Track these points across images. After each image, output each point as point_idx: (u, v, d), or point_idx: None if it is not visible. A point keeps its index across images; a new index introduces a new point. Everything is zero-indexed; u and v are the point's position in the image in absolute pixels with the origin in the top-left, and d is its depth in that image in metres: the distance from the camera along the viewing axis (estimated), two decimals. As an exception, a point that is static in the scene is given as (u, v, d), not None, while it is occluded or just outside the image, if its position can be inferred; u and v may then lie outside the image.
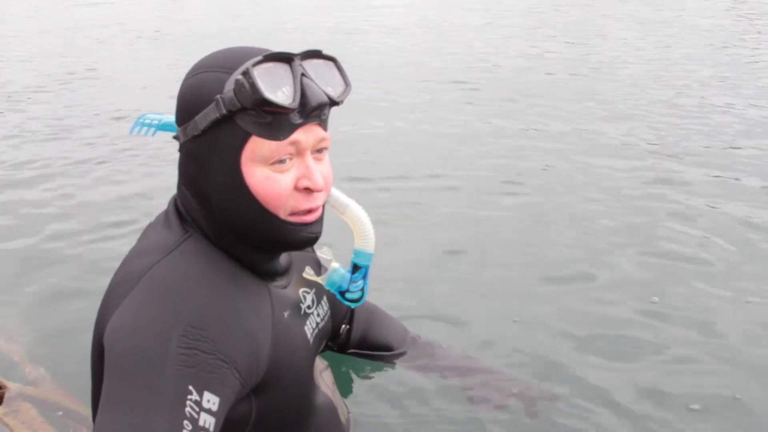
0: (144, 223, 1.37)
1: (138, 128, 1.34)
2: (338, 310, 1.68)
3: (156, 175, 4.79)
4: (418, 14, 12.66)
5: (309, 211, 1.24)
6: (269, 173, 1.19)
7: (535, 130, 5.65)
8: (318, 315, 1.47)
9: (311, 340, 1.42)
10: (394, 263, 3.15)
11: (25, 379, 2.33)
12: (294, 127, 1.18)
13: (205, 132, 1.19)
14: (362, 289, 1.42)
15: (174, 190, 1.32)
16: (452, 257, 3.49)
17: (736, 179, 4.41)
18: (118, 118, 5.96)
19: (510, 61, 8.24)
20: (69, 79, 7.76)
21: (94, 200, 4.42)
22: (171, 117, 1.28)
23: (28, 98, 6.99)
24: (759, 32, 9.76)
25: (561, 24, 11.14)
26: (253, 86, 1.12)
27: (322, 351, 1.60)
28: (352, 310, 1.77)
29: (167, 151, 4.92)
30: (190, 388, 1.07)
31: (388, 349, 1.84)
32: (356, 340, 1.80)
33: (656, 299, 2.95)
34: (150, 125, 1.33)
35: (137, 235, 1.35)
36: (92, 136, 5.62)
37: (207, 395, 1.08)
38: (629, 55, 8.39)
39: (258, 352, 1.22)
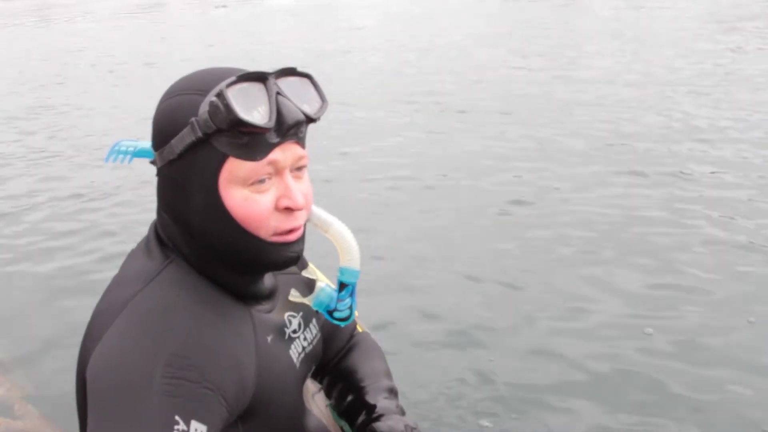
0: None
1: (114, 156, 1.31)
2: (337, 337, 1.62)
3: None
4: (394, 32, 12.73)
5: (291, 231, 1.23)
6: (248, 194, 1.17)
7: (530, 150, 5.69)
8: (305, 339, 1.44)
9: (297, 365, 1.39)
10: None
11: (13, 414, 2.30)
12: (271, 147, 1.16)
13: (181, 156, 1.17)
14: (350, 307, 1.39)
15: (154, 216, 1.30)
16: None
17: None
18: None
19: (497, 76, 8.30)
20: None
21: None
22: (146, 143, 1.26)
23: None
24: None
25: (545, 40, 11.21)
26: (228, 107, 1.10)
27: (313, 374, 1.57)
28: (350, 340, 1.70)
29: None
30: (177, 418, 1.05)
31: (353, 377, 1.57)
32: (335, 361, 1.65)
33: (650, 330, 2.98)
34: (126, 152, 1.31)
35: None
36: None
37: (194, 424, 1.06)
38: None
39: (243, 378, 1.20)
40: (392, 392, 1.53)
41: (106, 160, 1.30)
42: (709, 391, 2.72)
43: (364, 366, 1.59)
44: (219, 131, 1.13)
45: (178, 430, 1.04)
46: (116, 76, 10.12)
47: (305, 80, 1.24)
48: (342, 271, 1.37)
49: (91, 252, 4.31)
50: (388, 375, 1.59)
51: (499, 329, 3.15)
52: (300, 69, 1.23)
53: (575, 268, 3.68)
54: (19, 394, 2.46)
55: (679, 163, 5.21)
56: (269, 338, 1.32)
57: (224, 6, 20.37)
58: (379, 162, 5.60)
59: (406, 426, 1.40)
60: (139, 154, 1.29)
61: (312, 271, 1.40)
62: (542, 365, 2.89)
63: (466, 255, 3.90)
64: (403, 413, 1.48)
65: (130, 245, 1.34)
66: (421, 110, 7.11)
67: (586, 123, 6.28)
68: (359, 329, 1.71)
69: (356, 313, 1.69)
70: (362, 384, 1.53)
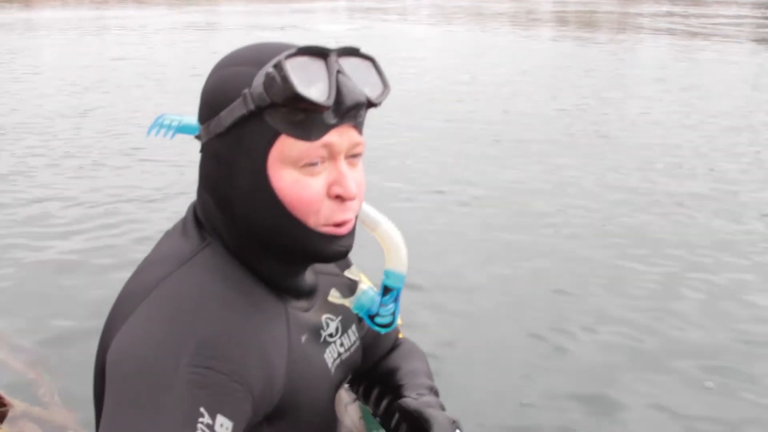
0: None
1: (156, 129, 1.24)
2: (378, 345, 1.53)
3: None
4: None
5: (341, 223, 1.14)
6: (298, 176, 1.09)
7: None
8: (341, 345, 1.34)
9: (332, 370, 1.30)
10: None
11: (38, 400, 2.26)
12: (327, 128, 1.08)
13: (229, 130, 1.09)
14: (393, 313, 1.29)
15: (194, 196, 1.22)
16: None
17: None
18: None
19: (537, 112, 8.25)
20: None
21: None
22: (191, 118, 1.19)
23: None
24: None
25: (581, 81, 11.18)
26: (285, 80, 1.02)
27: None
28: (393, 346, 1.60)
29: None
30: (202, 410, 0.96)
31: (393, 376, 1.49)
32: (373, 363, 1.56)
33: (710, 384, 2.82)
34: (169, 127, 1.23)
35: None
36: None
37: (220, 419, 0.97)
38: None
39: (272, 376, 1.11)
40: (432, 390, 1.43)
41: (148, 132, 1.23)
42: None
43: (403, 366, 1.49)
44: (273, 105, 1.05)
45: (202, 423, 0.96)
46: (159, 84, 10.35)
47: (368, 63, 1.16)
48: (387, 274, 1.27)
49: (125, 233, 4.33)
50: (429, 375, 1.49)
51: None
52: (363, 51, 1.15)
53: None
54: (46, 381, 2.44)
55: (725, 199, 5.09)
56: (303, 338, 1.23)
57: (281, 28, 20.70)
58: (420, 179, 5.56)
59: (447, 419, 1.26)
60: (182, 129, 1.22)
61: (355, 273, 1.30)
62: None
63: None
64: (443, 409, 1.36)
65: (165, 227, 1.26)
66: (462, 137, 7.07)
67: (629, 161, 6.18)
68: (400, 336, 1.61)
69: (399, 320, 1.59)
70: (400, 383, 1.44)
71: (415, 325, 3.05)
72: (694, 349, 3.08)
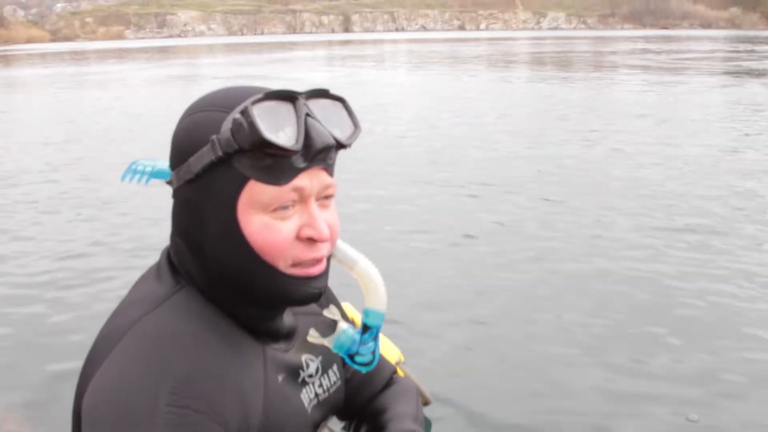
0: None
1: (130, 175, 1.24)
2: (372, 381, 1.49)
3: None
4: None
5: (312, 264, 1.12)
6: (269, 221, 1.07)
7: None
8: (320, 385, 1.32)
9: (309, 410, 1.27)
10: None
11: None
12: (297, 172, 1.06)
13: (199, 176, 1.07)
14: (373, 352, 1.26)
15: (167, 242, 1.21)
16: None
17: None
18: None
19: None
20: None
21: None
22: (164, 163, 1.19)
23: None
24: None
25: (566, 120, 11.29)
26: (252, 126, 1.00)
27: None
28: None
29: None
30: None
31: (380, 417, 1.45)
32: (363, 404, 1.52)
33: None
34: (143, 173, 1.23)
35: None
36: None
37: None
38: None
39: (249, 414, 1.09)
40: None
41: (122, 178, 1.22)
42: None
43: (390, 408, 1.45)
44: (241, 151, 1.04)
45: None
46: (137, 136, 10.44)
47: (338, 104, 1.14)
48: (366, 313, 1.25)
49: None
50: (416, 419, 1.45)
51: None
52: (333, 92, 1.14)
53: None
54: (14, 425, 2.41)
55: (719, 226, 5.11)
56: (280, 377, 1.21)
57: (263, 77, 20.85)
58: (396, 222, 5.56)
59: None
60: (156, 174, 1.21)
61: (334, 312, 1.29)
62: None
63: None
64: None
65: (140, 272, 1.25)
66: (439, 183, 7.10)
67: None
68: (400, 374, 1.59)
69: (401, 356, 1.57)
70: (385, 426, 1.40)
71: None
72: (678, 382, 3.08)
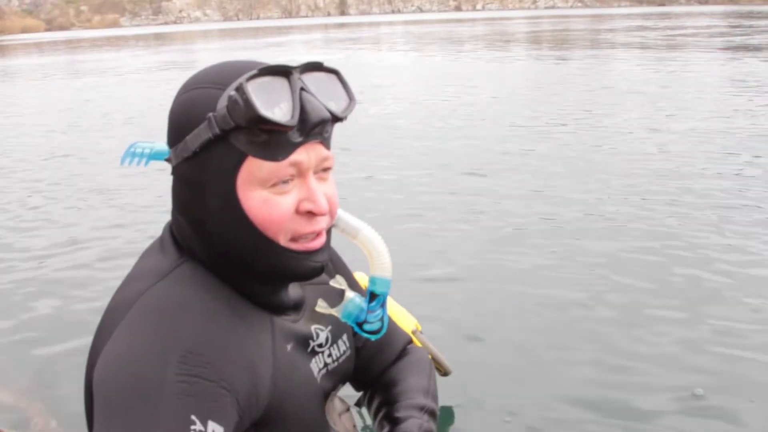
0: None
1: (129, 158, 1.24)
2: (386, 351, 1.51)
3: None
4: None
5: (312, 238, 1.14)
6: (268, 196, 1.08)
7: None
8: (329, 355, 1.34)
9: (318, 379, 1.30)
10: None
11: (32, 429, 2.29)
12: (294, 146, 1.07)
13: (197, 153, 1.08)
14: (381, 319, 1.28)
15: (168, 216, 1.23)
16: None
17: None
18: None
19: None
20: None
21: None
22: (163, 144, 1.20)
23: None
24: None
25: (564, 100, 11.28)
26: (247, 102, 1.01)
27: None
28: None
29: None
30: (193, 417, 0.97)
31: (390, 391, 1.47)
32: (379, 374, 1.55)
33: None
34: (141, 155, 1.23)
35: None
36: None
37: (211, 425, 0.98)
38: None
39: (258, 383, 1.11)
40: (423, 410, 1.41)
41: (122, 162, 1.22)
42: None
43: (402, 381, 1.47)
44: (238, 128, 1.05)
45: (194, 430, 0.96)
46: (133, 123, 10.45)
47: (332, 76, 1.15)
48: (372, 280, 1.27)
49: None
50: (427, 393, 1.47)
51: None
52: (327, 64, 1.14)
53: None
54: (43, 411, 2.45)
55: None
56: (289, 346, 1.23)
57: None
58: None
59: None
60: (155, 156, 1.22)
61: (341, 281, 1.29)
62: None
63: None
64: None
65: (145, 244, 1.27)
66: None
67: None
68: (417, 344, 1.60)
69: (418, 326, 1.57)
70: (395, 400, 1.42)
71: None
72: (681, 359, 3.09)
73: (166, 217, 1.25)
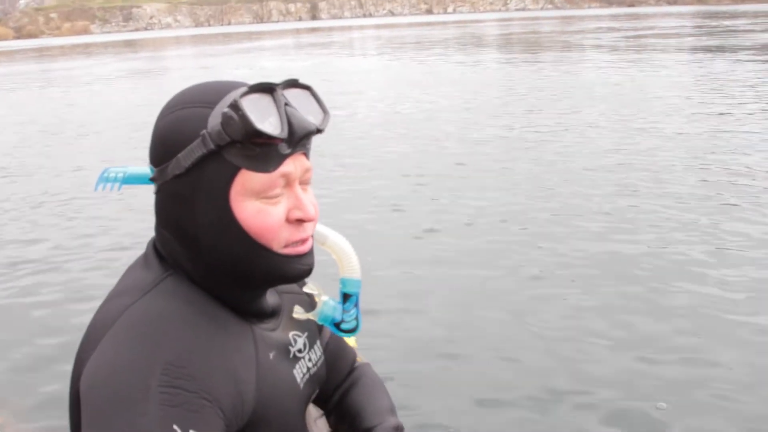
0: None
1: (102, 184, 1.27)
2: (337, 366, 1.57)
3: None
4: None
5: (302, 243, 1.21)
6: (261, 206, 1.15)
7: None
8: (310, 360, 1.41)
9: (301, 385, 1.36)
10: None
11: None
12: (283, 158, 1.14)
13: (189, 170, 1.14)
14: (356, 318, 1.37)
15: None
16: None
17: None
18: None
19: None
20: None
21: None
22: (134, 168, 1.25)
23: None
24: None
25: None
26: (244, 118, 1.08)
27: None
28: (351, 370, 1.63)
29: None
30: (175, 428, 1.02)
31: (359, 416, 1.52)
32: (338, 396, 1.60)
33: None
34: (115, 179, 1.26)
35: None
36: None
37: None
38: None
39: (242, 392, 1.17)
40: (397, 430, 1.48)
41: (96, 188, 1.26)
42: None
43: (369, 404, 1.53)
44: (232, 143, 1.11)
45: None
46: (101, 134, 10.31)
47: (306, 92, 1.22)
48: (344, 282, 1.35)
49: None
50: (393, 411, 1.54)
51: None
52: (301, 81, 1.21)
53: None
54: (14, 422, 2.46)
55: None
56: (271, 354, 1.28)
57: (235, 68, 20.51)
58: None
59: None
60: (128, 180, 1.25)
61: (313, 288, 1.37)
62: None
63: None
64: None
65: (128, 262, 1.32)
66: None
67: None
68: (359, 359, 1.67)
69: (354, 343, 1.66)
70: (368, 425, 1.48)
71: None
72: (647, 373, 3.11)
73: (146, 232, 1.28)
